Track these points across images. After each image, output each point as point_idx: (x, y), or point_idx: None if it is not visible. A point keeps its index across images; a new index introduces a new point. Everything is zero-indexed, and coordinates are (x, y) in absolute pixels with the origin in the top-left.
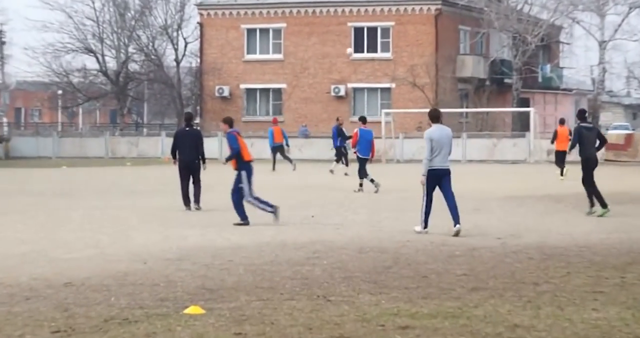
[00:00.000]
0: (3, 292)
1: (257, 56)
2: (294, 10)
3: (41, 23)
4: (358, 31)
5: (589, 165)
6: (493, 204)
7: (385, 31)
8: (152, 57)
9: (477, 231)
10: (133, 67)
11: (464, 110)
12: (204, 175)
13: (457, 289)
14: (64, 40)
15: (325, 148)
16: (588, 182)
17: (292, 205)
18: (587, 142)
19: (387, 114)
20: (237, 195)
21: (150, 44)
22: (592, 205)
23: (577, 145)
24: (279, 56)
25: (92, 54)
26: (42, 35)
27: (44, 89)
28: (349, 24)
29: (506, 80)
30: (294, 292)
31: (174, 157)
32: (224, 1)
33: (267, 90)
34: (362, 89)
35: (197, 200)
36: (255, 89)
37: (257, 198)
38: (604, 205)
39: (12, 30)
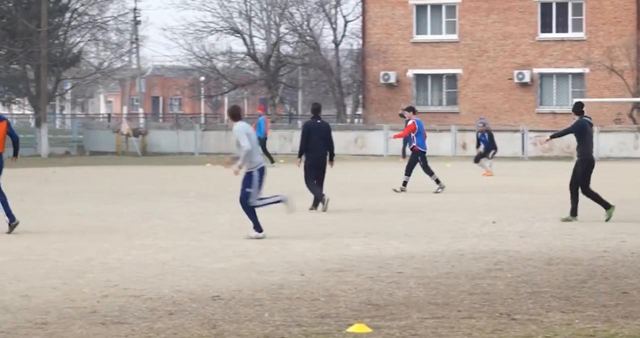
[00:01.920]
0: (143, 306)
1: (428, 37)
2: None
3: (181, 0)
4: (546, 7)
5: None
6: None
7: (578, 7)
8: (307, 38)
9: None
10: (285, 49)
11: None
12: (363, 173)
13: None
14: (207, 19)
15: (508, 144)
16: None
17: (469, 209)
18: (590, 139)
19: None
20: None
21: (305, 23)
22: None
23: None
24: (454, 37)
25: (238, 35)
26: (181, 14)
27: (185, 76)
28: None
29: None
30: (473, 309)
31: (301, 154)
32: None
33: (439, 76)
34: (550, 75)
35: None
36: (426, 75)
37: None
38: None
39: (148, 8)
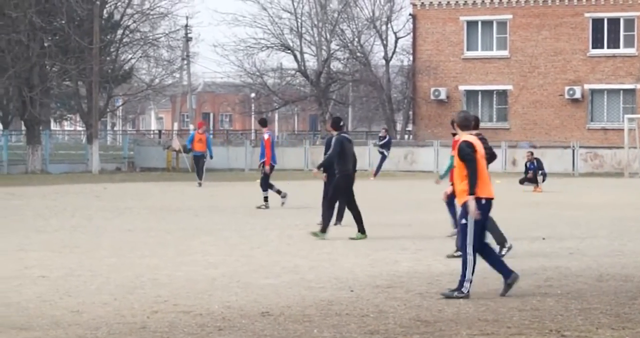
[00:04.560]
0: (192, 322)
1: (479, 53)
2: (522, 1)
3: (232, 16)
4: (597, 23)
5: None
6: None
7: (630, 23)
8: (358, 54)
9: None
10: (336, 66)
11: None
12: (413, 189)
13: None
14: (258, 35)
15: (559, 160)
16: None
17: (519, 225)
18: (349, 155)
19: (630, 120)
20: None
21: (356, 39)
22: None
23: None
24: (504, 53)
25: (289, 52)
26: (232, 30)
27: (235, 92)
28: (587, 15)
29: None
30: (522, 326)
31: (327, 167)
32: None
33: (490, 92)
34: (601, 91)
35: (340, 217)
36: (476, 91)
37: None
38: None
39: (200, 25)
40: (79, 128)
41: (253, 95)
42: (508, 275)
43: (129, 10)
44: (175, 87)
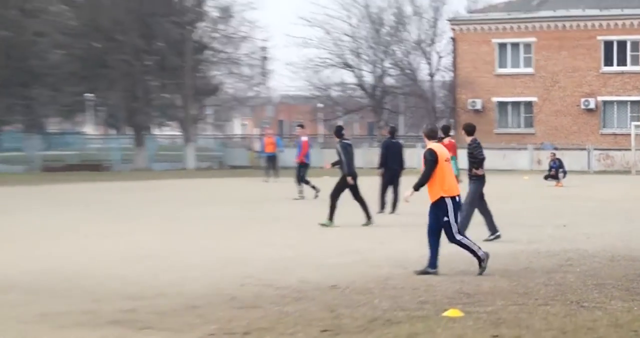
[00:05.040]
0: (274, 293)
1: (508, 70)
2: (544, 25)
3: (302, 39)
4: (608, 45)
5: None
6: None
7: (635, 44)
8: (407, 71)
9: None
10: (389, 81)
11: None
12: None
13: None
14: (323, 55)
15: (576, 160)
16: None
17: (544, 215)
18: (351, 158)
19: (637, 126)
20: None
21: (405, 58)
22: None
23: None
24: (530, 70)
25: (349, 69)
26: (302, 51)
27: (305, 103)
28: (599, 38)
29: None
30: (548, 298)
31: (383, 166)
32: (475, 16)
33: (518, 103)
34: (611, 102)
35: (394, 207)
36: (506, 102)
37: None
38: None
39: (275, 47)
40: (177, 133)
41: (320, 105)
42: (434, 265)
43: (215, 34)
44: (256, 99)
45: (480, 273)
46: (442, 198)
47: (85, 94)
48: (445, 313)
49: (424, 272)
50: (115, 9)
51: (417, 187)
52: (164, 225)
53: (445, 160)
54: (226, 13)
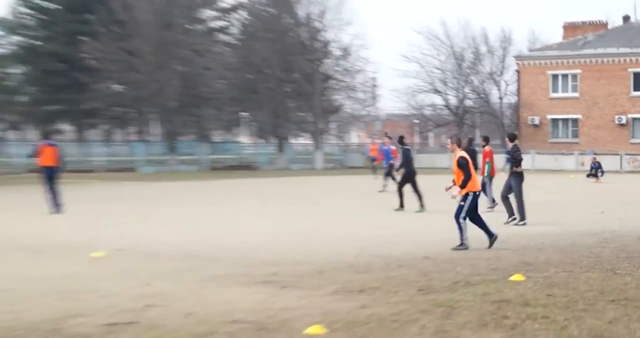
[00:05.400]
0: (382, 262)
1: (559, 94)
2: (587, 60)
3: (402, 72)
4: (636, 75)
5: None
6: None
7: None
8: (482, 95)
9: None
10: (468, 102)
11: None
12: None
13: None
14: (419, 84)
15: (612, 162)
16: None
17: (586, 203)
18: (410, 159)
19: None
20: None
21: (480, 85)
22: None
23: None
24: (576, 94)
25: (438, 94)
26: (403, 80)
27: (405, 119)
28: (629, 70)
29: None
30: (589, 266)
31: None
32: (535, 54)
33: (567, 119)
34: (638, 119)
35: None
36: (558, 119)
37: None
38: None
39: (382, 77)
40: (308, 141)
41: (416, 121)
42: (491, 235)
43: (337, 68)
44: (367, 116)
45: (455, 249)
46: (469, 192)
47: (241, 113)
48: (511, 278)
49: (492, 242)
50: (263, 50)
51: (462, 186)
52: (301, 210)
53: (471, 164)
54: (346, 52)
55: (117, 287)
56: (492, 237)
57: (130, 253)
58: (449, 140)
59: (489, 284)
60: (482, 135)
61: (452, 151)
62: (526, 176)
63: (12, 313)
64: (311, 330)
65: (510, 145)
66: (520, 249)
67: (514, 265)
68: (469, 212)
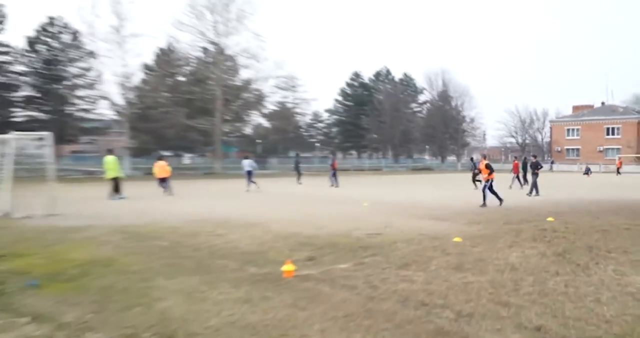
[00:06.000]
0: (489, 211)
1: (571, 137)
2: (584, 122)
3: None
4: (607, 129)
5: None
6: None
7: None
8: (531, 138)
9: None
10: (527, 142)
11: None
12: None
13: None
14: (506, 138)
15: (595, 168)
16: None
17: (582, 187)
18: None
19: None
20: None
21: (532, 134)
22: None
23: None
24: (578, 137)
25: (514, 136)
26: (499, 132)
27: (498, 148)
28: (604, 126)
29: None
30: (586, 214)
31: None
32: (559, 119)
33: (574, 148)
34: (608, 149)
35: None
36: (569, 148)
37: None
38: None
39: (488, 131)
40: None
41: (502, 149)
42: (501, 200)
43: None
44: (480, 143)
45: (483, 206)
46: (488, 179)
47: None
48: (547, 219)
49: (501, 202)
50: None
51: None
52: (445, 187)
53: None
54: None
55: (373, 218)
56: (501, 201)
57: (379, 204)
58: (482, 157)
59: (536, 221)
60: (532, 154)
61: (482, 160)
62: (550, 174)
63: (320, 229)
64: (455, 239)
65: (534, 159)
66: (551, 205)
67: (548, 213)
68: (490, 188)
